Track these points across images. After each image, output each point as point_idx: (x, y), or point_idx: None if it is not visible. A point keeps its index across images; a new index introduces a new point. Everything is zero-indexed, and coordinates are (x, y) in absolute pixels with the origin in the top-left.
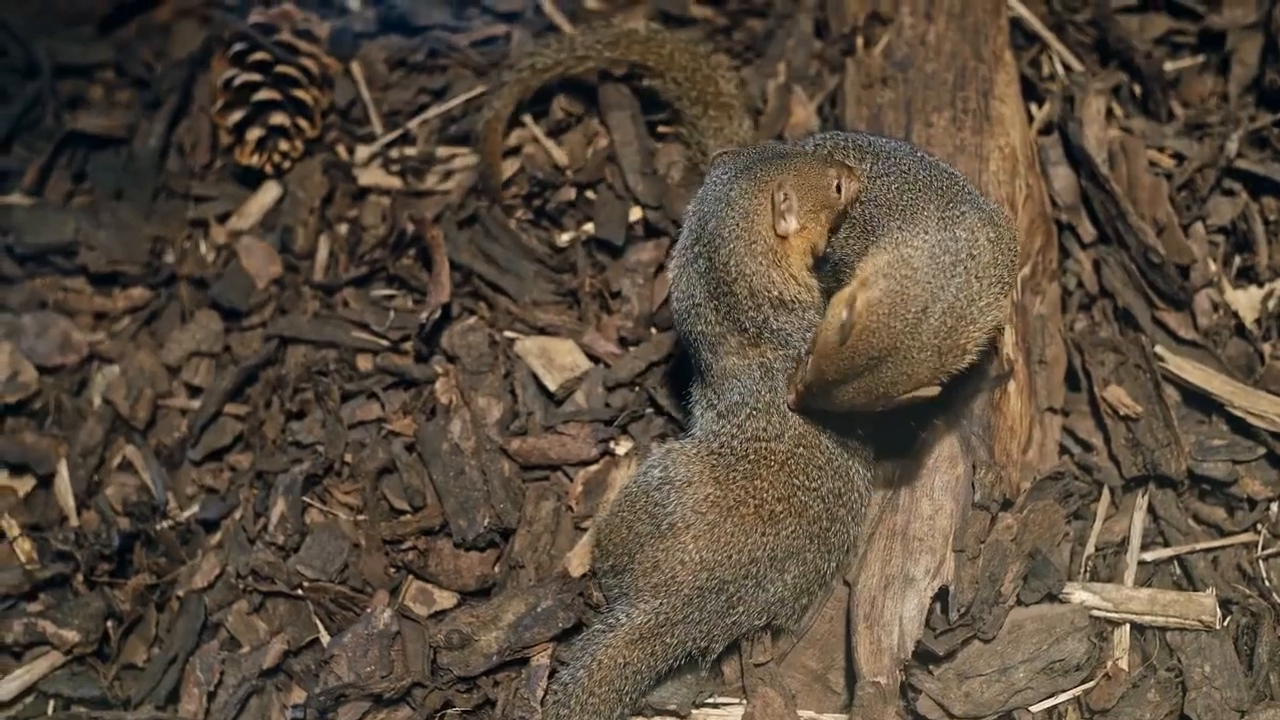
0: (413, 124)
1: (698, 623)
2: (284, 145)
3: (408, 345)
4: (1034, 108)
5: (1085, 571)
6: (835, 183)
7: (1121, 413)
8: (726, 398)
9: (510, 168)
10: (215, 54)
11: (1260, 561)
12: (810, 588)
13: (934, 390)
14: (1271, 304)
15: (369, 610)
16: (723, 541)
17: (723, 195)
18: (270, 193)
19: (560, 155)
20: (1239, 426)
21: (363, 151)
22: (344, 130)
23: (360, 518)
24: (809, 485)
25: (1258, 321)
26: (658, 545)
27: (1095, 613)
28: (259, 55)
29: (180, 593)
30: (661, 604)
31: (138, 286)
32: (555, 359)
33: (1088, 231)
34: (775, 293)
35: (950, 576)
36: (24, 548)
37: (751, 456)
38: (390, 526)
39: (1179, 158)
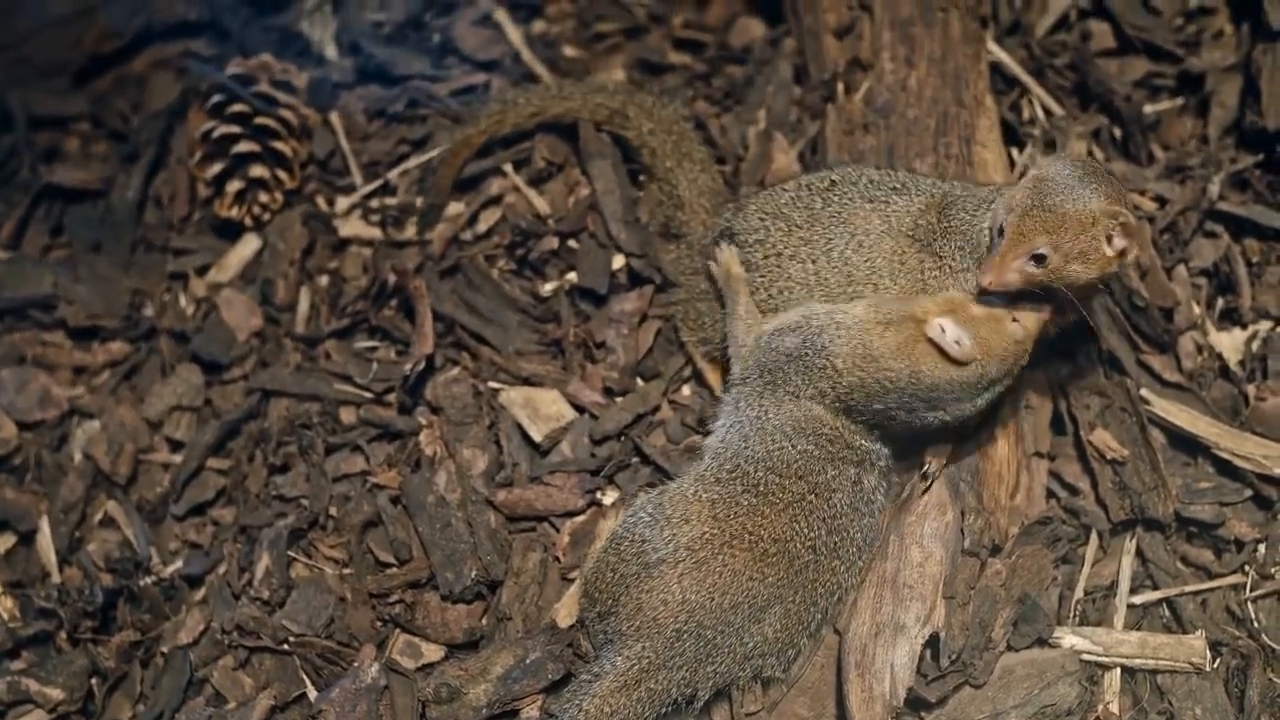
0: (393, 174)
1: (680, 668)
2: (263, 197)
3: (391, 397)
4: (1015, 152)
5: (1075, 616)
6: None
7: (1108, 456)
8: (778, 417)
9: (491, 217)
10: (193, 106)
11: (1249, 603)
12: (794, 639)
13: None
14: (1255, 345)
15: (356, 664)
16: (708, 582)
17: None
18: (250, 245)
19: (542, 204)
20: (1225, 469)
21: (343, 202)
22: (323, 181)
23: (346, 571)
24: (806, 534)
25: (1242, 363)
26: (642, 586)
27: (1085, 657)
28: (237, 107)
29: (165, 649)
30: (644, 648)
31: (117, 340)
32: (540, 409)
33: None
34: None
35: (941, 623)
36: (6, 605)
37: (761, 489)
38: (376, 580)
39: (1161, 200)
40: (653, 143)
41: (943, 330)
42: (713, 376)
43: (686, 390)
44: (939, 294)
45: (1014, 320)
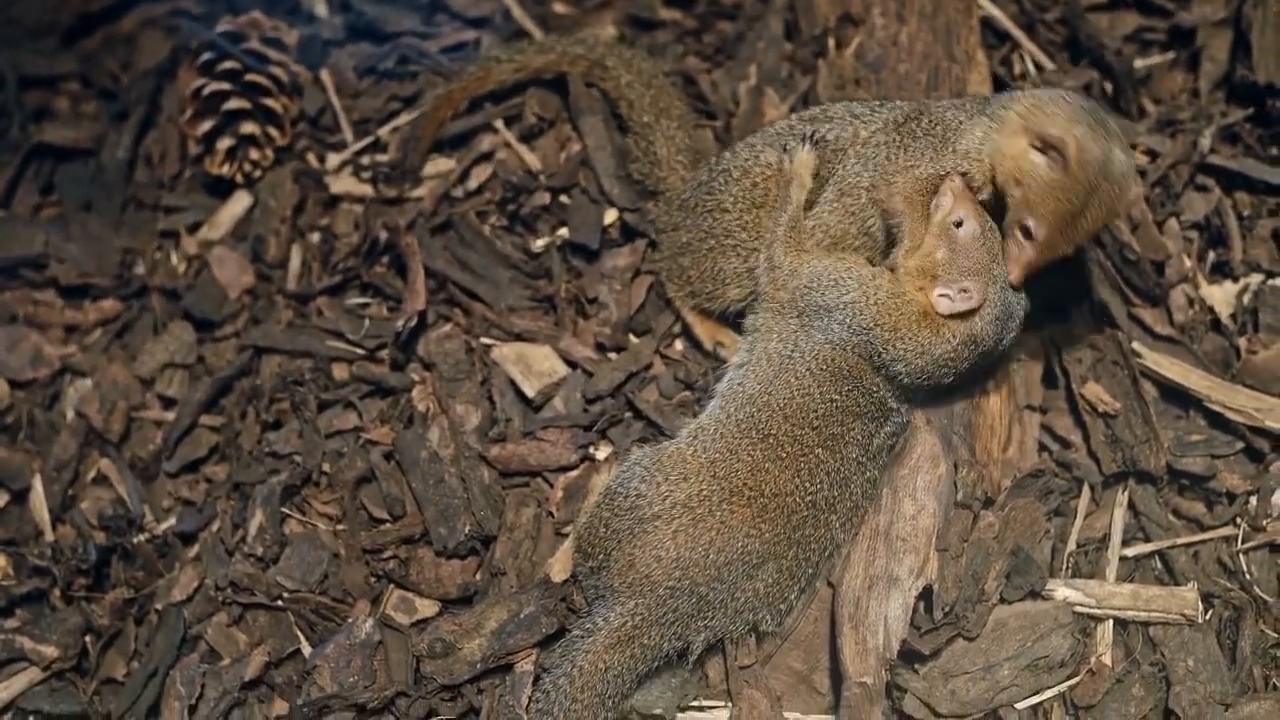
0: (383, 131)
1: (672, 623)
2: (254, 154)
3: (384, 353)
4: None
5: (1067, 568)
6: None
7: (1100, 409)
8: (811, 359)
9: (483, 173)
10: (182, 64)
11: (1240, 555)
12: (786, 594)
13: None
14: (1246, 298)
15: (350, 620)
16: (704, 539)
17: None
18: (241, 202)
19: (533, 160)
20: (1216, 421)
21: (334, 159)
22: (314, 138)
23: (339, 527)
24: (808, 488)
25: (1233, 316)
26: (634, 542)
27: (1078, 609)
28: (228, 64)
29: (159, 606)
30: (637, 604)
31: (109, 298)
32: (532, 365)
33: None
34: None
35: (934, 575)
36: None
37: (771, 439)
38: (370, 536)
39: (1152, 154)
40: (630, 95)
41: (948, 298)
42: (701, 330)
43: (679, 345)
44: (902, 263)
45: (956, 225)
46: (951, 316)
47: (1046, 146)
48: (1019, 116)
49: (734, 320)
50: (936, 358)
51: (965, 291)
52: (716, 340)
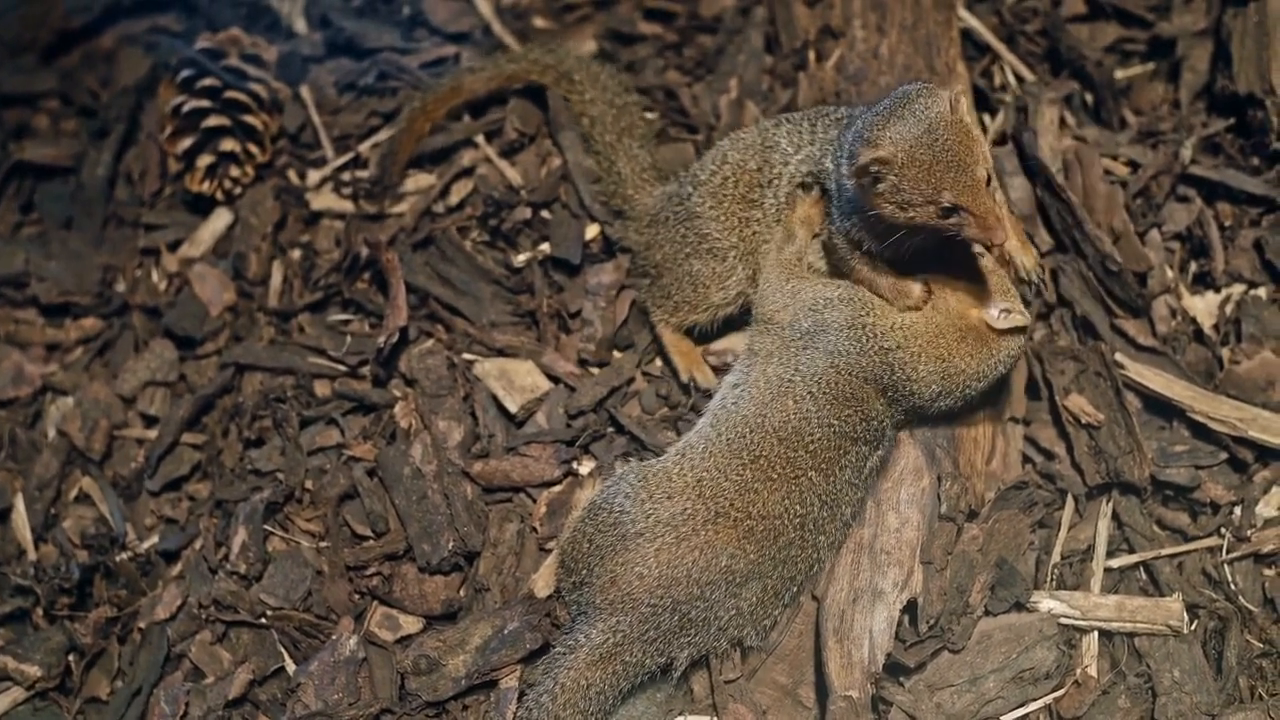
0: (364, 147)
1: (655, 641)
2: (234, 171)
3: (365, 370)
4: (987, 119)
5: (1052, 580)
6: None
7: (1083, 421)
8: (812, 383)
9: (464, 188)
10: (162, 81)
11: (1225, 565)
12: (770, 611)
13: None
14: (1229, 309)
15: (334, 637)
16: (687, 559)
17: None
18: (222, 219)
19: (514, 175)
20: (1200, 432)
21: (314, 176)
22: (295, 155)
23: (323, 544)
24: (798, 510)
25: (1215, 327)
26: (617, 559)
27: (1063, 621)
28: (207, 81)
29: (142, 624)
30: (619, 621)
31: (90, 317)
32: (515, 380)
33: (1045, 241)
34: None
35: (918, 588)
36: None
37: (763, 461)
38: (353, 552)
39: (1133, 165)
40: (593, 112)
41: (1000, 314)
42: (680, 360)
43: (660, 361)
44: (950, 286)
45: (980, 255)
46: (1004, 331)
47: None
48: None
49: (719, 333)
50: (964, 378)
51: (1010, 312)
52: (692, 374)
